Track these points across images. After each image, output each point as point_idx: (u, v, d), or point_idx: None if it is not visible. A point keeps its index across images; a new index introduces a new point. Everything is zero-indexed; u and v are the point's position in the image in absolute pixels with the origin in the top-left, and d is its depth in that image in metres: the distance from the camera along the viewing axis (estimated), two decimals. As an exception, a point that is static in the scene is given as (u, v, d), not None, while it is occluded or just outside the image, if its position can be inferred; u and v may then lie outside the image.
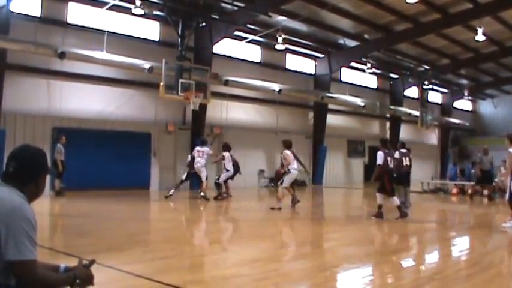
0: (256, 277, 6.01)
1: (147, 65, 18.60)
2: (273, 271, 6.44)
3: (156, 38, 21.24)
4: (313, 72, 27.87)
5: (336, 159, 29.47)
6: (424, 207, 17.37)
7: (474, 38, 24.19)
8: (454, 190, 22.04)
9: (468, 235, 10.90)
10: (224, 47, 22.84)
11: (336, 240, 9.46)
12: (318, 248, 9.05)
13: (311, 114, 28.19)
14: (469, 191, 20.85)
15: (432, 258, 8.14)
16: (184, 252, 7.92)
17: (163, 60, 17.79)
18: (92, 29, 18.88)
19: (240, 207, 13.56)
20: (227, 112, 23.35)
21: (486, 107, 42.16)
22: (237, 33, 22.58)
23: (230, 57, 23.71)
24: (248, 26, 22.37)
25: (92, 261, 2.99)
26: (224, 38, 21.59)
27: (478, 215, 16.07)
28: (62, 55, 16.76)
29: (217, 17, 20.88)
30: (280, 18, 21.78)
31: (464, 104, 41.37)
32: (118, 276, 5.84)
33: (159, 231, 10.55)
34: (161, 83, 17.57)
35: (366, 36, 25.61)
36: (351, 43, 26.32)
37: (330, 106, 27.89)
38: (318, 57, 27.60)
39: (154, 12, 19.72)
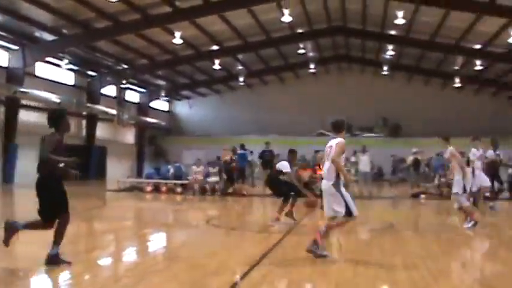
0: None
1: None
2: None
3: None
4: (6, 64, 25.63)
5: (29, 157, 27.66)
6: (120, 206, 17.60)
7: (172, 40, 25.44)
8: (149, 188, 22.59)
9: (163, 231, 11.43)
10: None
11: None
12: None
13: (1, 110, 25.88)
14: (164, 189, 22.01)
15: (128, 255, 8.28)
16: None
17: None
18: None
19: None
20: None
21: (182, 108, 44.63)
22: None
23: None
24: None
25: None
26: None
27: (174, 211, 16.88)
28: None
29: None
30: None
31: (161, 104, 43.06)
32: None
33: None
34: None
35: (64, 31, 24.71)
36: (49, 37, 25.10)
37: (24, 102, 26.06)
38: (12, 49, 25.51)
39: None
